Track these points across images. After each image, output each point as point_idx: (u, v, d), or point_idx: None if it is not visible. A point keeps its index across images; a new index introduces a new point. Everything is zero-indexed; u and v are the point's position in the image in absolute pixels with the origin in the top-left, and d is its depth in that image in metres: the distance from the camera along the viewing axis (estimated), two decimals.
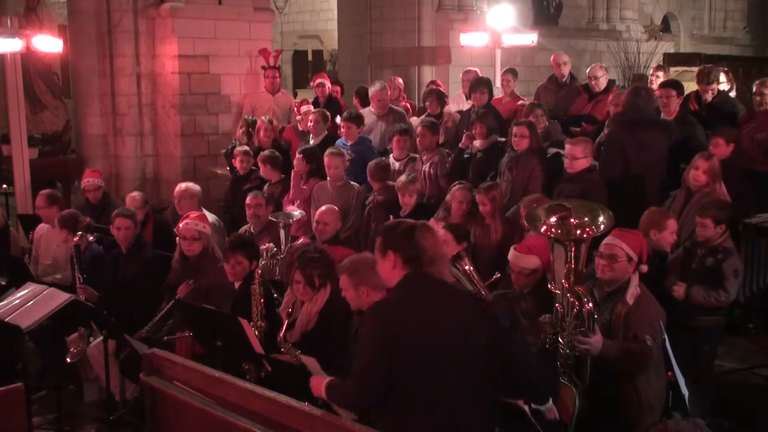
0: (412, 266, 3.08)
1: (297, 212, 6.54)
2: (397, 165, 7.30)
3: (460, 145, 7.08)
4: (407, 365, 2.99)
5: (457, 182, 6.28)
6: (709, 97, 7.24)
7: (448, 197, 6.12)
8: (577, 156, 5.86)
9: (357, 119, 7.79)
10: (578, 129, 7.80)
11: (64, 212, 6.50)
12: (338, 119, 8.45)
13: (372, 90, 8.56)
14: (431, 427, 3.01)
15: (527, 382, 3.31)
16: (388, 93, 8.73)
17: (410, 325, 3.02)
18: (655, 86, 8.16)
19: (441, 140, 7.83)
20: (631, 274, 4.23)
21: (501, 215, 5.84)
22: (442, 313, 3.06)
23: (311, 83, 10.63)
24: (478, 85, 8.11)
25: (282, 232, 5.81)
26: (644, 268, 4.27)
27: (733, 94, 8.29)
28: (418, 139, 7.23)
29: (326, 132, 8.10)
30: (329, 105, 9.27)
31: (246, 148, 8.02)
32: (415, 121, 8.74)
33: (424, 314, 3.05)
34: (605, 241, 4.29)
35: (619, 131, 6.18)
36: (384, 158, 7.29)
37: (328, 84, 9.90)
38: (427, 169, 7.06)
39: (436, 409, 3.00)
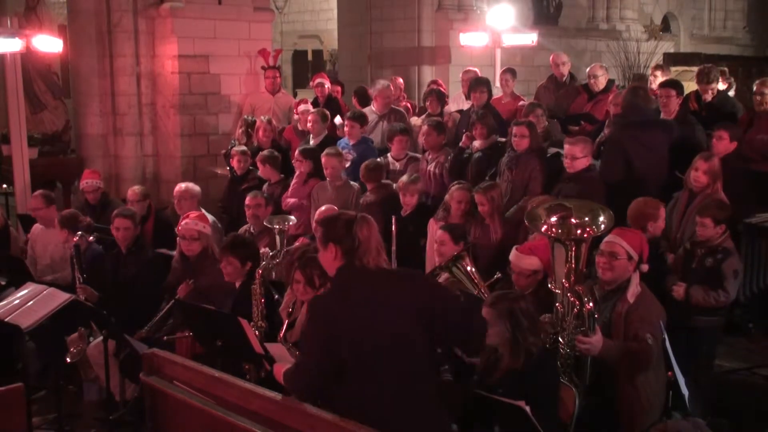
0: (349, 257, 3.22)
1: (293, 216, 6.49)
2: (397, 165, 7.30)
3: (460, 144, 7.08)
4: (346, 354, 3.13)
5: (456, 182, 6.28)
6: (709, 96, 7.24)
7: (447, 197, 6.11)
8: (576, 156, 5.86)
9: (361, 118, 7.78)
10: (576, 128, 7.80)
11: (65, 212, 6.50)
12: (337, 120, 8.43)
13: (376, 88, 8.56)
14: (373, 410, 3.12)
15: (458, 333, 3.38)
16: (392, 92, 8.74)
17: (346, 315, 3.17)
18: (654, 86, 8.16)
19: None
20: (632, 273, 4.23)
21: (500, 215, 5.84)
22: (374, 299, 3.19)
23: (311, 83, 10.63)
24: (478, 84, 8.11)
25: (278, 238, 5.79)
26: (645, 267, 4.28)
27: (731, 93, 8.28)
28: (423, 138, 7.21)
29: (326, 132, 8.09)
30: (329, 105, 9.27)
31: (243, 148, 8.02)
32: (415, 120, 8.74)
33: (358, 304, 3.18)
34: (606, 239, 4.30)
35: (620, 133, 6.17)
36: (379, 158, 7.28)
37: (327, 84, 9.89)
38: (432, 169, 7.06)
39: (377, 394, 3.14)
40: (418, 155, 7.51)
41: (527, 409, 3.32)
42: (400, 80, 10.29)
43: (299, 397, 3.29)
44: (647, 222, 5.05)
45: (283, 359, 3.79)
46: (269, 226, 5.95)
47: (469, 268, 4.84)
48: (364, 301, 3.19)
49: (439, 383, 3.39)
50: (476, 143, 6.94)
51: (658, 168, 6.04)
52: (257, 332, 4.58)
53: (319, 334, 3.21)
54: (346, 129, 7.79)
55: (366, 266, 3.22)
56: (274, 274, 5.51)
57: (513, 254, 4.71)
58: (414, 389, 3.18)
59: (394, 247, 5.85)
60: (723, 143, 5.92)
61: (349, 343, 3.13)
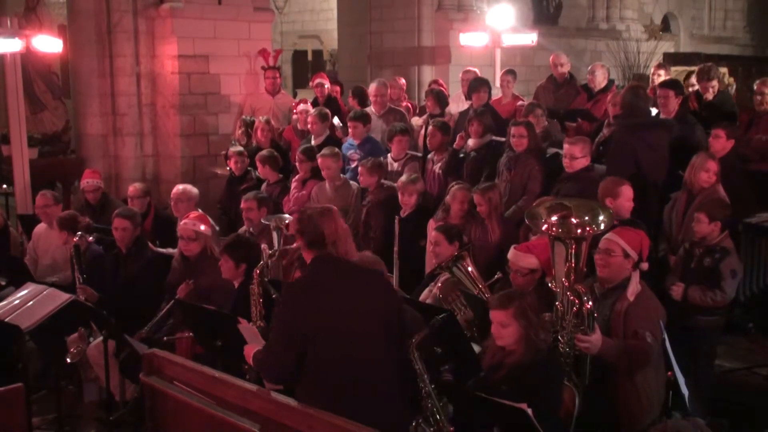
0: (316, 249, 3.39)
1: (287, 215, 6.50)
2: (395, 165, 7.29)
3: (454, 145, 7.07)
4: (317, 339, 3.28)
5: (455, 182, 6.27)
6: (710, 95, 7.22)
7: (447, 198, 6.10)
8: (576, 155, 5.87)
9: (363, 118, 7.74)
10: (574, 124, 7.78)
11: (64, 213, 6.51)
12: (335, 120, 8.40)
13: (371, 88, 8.53)
14: (342, 397, 3.27)
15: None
16: (389, 92, 8.71)
17: (318, 302, 3.32)
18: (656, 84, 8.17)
19: None
20: (630, 271, 4.23)
21: (498, 216, 5.82)
22: (347, 291, 3.36)
23: (310, 83, 10.61)
24: (479, 84, 8.12)
25: (275, 234, 5.80)
26: (645, 265, 4.27)
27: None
28: (428, 139, 7.20)
29: (328, 132, 8.06)
30: (329, 105, 9.25)
31: (240, 148, 8.00)
32: (415, 120, 8.72)
33: (330, 292, 3.34)
34: (604, 236, 4.30)
35: (625, 133, 6.14)
36: (377, 158, 7.27)
37: (327, 84, 9.88)
38: (437, 170, 7.04)
39: (345, 380, 3.30)
40: (417, 153, 7.50)
41: (529, 411, 3.33)
42: (402, 81, 10.23)
43: (268, 378, 3.47)
44: (606, 198, 5.09)
45: (254, 340, 3.86)
46: (266, 223, 5.98)
47: (469, 269, 4.85)
48: (336, 288, 3.35)
49: (404, 377, 3.53)
50: (470, 142, 6.93)
51: (661, 167, 6.05)
52: None
53: (290, 321, 3.34)
54: (350, 129, 7.77)
55: (339, 257, 3.39)
56: (271, 272, 5.52)
57: (511, 253, 4.72)
58: (383, 380, 3.37)
59: (396, 248, 5.86)
60: (720, 141, 5.94)
61: (319, 325, 3.28)
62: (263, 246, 5.40)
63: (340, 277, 3.38)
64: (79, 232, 6.00)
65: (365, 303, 3.36)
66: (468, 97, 8.53)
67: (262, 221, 6.11)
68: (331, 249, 3.36)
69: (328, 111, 8.20)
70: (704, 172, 5.49)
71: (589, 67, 8.67)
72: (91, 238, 6.12)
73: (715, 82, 7.26)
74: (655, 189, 5.94)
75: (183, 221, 5.77)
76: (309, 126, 8.02)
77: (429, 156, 7.24)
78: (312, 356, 3.28)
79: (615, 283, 4.25)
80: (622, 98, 6.35)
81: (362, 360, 3.31)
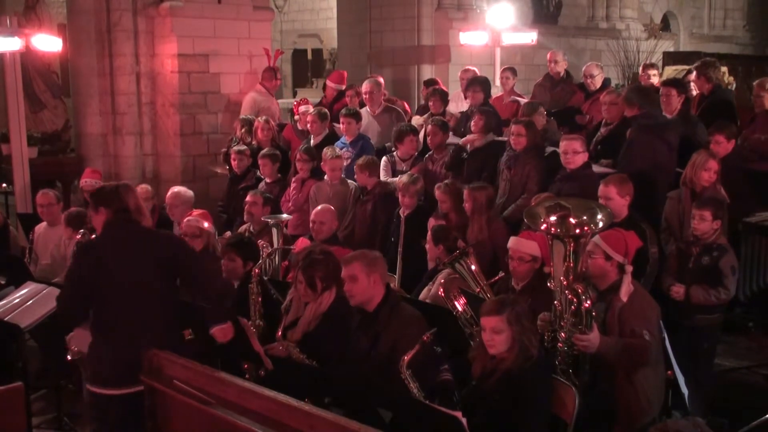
0: (116, 215, 4.01)
1: (285, 215, 6.51)
2: (403, 166, 7.26)
3: (460, 143, 7.06)
4: (97, 289, 3.95)
5: (439, 183, 6.29)
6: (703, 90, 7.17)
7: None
8: (577, 150, 5.87)
9: (356, 115, 7.75)
10: (587, 117, 7.76)
11: (71, 210, 6.50)
12: None
13: (362, 87, 8.52)
14: (115, 339, 3.93)
15: (208, 295, 4.15)
16: (382, 89, 8.68)
17: (99, 259, 3.98)
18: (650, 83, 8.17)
19: None
20: (615, 273, 4.22)
21: (482, 217, 5.78)
22: (127, 251, 3.98)
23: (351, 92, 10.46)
24: (471, 84, 8.14)
25: (274, 231, 5.80)
26: (629, 268, 4.24)
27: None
28: (429, 138, 7.19)
29: (327, 131, 8.05)
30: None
31: (242, 147, 7.99)
32: (416, 120, 8.71)
33: (111, 252, 3.98)
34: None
35: (646, 134, 6.09)
36: (384, 157, 7.27)
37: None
38: (438, 169, 7.03)
39: (117, 328, 3.94)
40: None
41: (464, 421, 3.32)
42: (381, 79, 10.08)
43: (62, 315, 4.27)
44: (626, 196, 5.20)
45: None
46: (266, 221, 6.00)
47: (473, 267, 4.84)
48: (119, 248, 3.98)
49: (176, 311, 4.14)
50: (471, 135, 6.91)
51: (673, 166, 6.08)
52: (255, 331, 4.58)
53: (79, 269, 4.06)
54: (342, 126, 7.75)
55: (127, 222, 4.02)
56: (271, 269, 5.53)
57: (512, 240, 4.72)
58: (151, 315, 3.96)
59: (400, 248, 5.87)
60: (721, 147, 5.94)
61: (99, 278, 3.94)
62: (263, 244, 5.41)
63: (124, 236, 4.01)
64: (82, 230, 5.99)
65: (139, 256, 3.97)
66: (467, 96, 8.52)
67: (262, 218, 6.13)
68: (126, 216, 4.01)
69: (327, 111, 8.18)
70: (705, 172, 5.49)
71: (584, 69, 8.64)
72: (93, 236, 6.10)
73: (712, 75, 7.18)
74: (663, 188, 5.94)
75: (186, 218, 5.78)
76: (308, 125, 8.01)
77: (429, 155, 7.23)
78: (94, 304, 3.97)
79: (605, 286, 4.24)
80: (637, 101, 6.27)
81: (138, 300, 3.93)
